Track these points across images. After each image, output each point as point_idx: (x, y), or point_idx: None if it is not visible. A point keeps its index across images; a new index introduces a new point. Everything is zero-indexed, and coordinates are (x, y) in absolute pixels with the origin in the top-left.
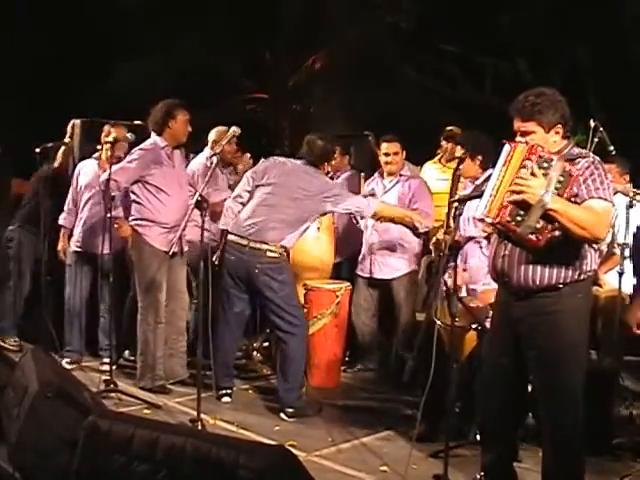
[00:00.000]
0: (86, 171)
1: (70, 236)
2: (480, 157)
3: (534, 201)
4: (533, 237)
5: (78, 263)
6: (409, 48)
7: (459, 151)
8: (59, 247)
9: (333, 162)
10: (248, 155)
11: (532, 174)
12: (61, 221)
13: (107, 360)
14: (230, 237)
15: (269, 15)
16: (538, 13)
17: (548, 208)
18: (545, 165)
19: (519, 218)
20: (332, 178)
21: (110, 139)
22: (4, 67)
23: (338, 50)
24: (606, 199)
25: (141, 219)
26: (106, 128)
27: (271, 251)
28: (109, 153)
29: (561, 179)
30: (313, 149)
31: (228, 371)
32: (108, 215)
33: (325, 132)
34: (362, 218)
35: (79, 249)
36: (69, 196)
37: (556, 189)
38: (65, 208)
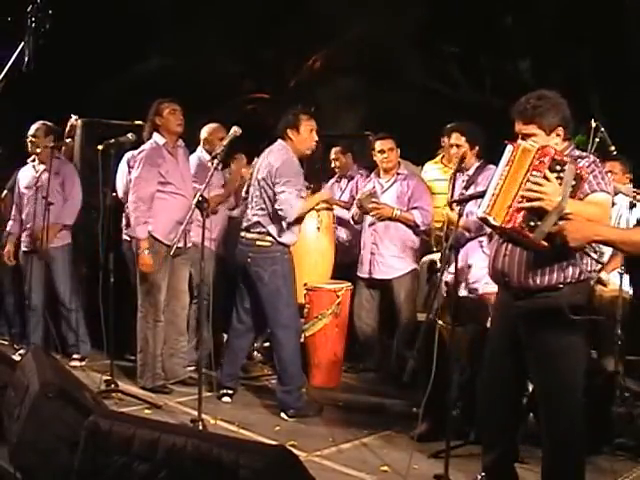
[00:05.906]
0: (24, 175)
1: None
2: (477, 147)
3: (551, 207)
4: (545, 243)
5: (29, 262)
6: (411, 49)
7: (459, 139)
8: (4, 251)
9: (338, 162)
10: (243, 155)
11: (545, 178)
12: (8, 228)
13: (77, 356)
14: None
15: (270, 15)
16: (540, 14)
17: (565, 213)
18: (558, 168)
19: (532, 224)
20: (340, 177)
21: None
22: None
23: (339, 50)
24: (607, 192)
25: None
26: (33, 128)
27: (260, 240)
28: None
29: (573, 183)
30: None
31: (235, 372)
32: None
33: (327, 132)
34: (283, 219)
35: (27, 248)
36: (14, 204)
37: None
38: (11, 215)
